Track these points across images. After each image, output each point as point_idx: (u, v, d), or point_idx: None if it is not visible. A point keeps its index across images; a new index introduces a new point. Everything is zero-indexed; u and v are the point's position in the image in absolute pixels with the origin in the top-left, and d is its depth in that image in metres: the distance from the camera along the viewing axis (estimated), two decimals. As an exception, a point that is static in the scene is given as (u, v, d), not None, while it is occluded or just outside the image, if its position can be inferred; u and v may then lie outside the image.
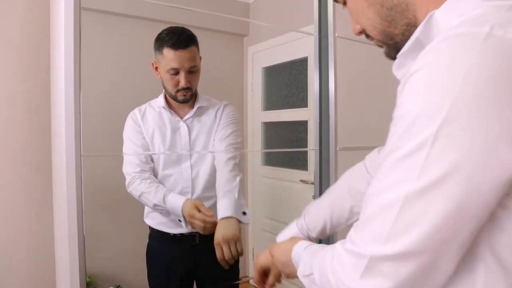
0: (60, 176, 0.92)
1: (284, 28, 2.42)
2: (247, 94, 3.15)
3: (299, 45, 2.62)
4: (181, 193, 1.49)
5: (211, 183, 1.52)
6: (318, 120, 1.25)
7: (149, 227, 1.59)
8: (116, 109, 2.47)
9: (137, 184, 1.43)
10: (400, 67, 0.63)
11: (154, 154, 1.48)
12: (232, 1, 2.95)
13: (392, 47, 0.68)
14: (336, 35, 1.19)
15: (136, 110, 1.55)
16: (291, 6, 2.49)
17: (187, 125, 1.53)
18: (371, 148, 1.41)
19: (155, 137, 1.50)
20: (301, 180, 2.57)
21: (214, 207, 1.45)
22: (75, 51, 0.87)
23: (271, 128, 2.72)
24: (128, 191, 1.46)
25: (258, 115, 2.94)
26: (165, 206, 1.40)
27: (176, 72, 1.41)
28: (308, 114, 2.56)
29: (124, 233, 2.52)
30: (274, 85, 2.94)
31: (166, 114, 1.53)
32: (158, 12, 2.62)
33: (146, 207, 1.59)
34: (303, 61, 2.62)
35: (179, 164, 1.52)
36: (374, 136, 1.47)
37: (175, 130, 1.53)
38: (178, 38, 1.38)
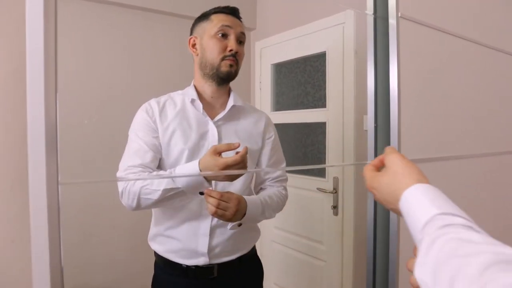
0: (34, 205, 0.63)
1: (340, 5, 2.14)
2: (254, 93, 2.88)
3: (315, 38, 2.35)
4: (200, 217, 1.18)
5: None
6: (373, 125, 0.98)
7: (155, 253, 1.29)
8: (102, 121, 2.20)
9: (133, 182, 1.10)
10: None
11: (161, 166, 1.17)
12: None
13: None
14: (400, 15, 0.92)
15: (153, 102, 1.23)
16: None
17: (217, 128, 1.23)
18: (440, 159, 1.16)
19: (174, 140, 1.18)
20: (319, 189, 2.31)
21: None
22: (47, 46, 0.58)
23: (282, 131, 2.44)
24: (123, 202, 1.13)
25: (268, 117, 2.66)
26: (177, 186, 1.06)
27: (226, 34, 1.21)
28: (327, 115, 2.29)
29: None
30: (285, 83, 2.66)
31: (193, 112, 1.23)
32: (158, 2, 2.36)
33: (151, 227, 1.30)
34: (320, 57, 2.34)
35: None
36: (443, 144, 1.22)
37: (202, 133, 1.21)
38: (229, 6, 1.25)
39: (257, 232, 1.34)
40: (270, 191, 1.32)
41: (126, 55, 2.27)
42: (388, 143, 0.95)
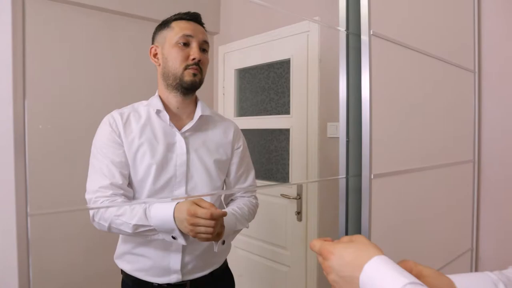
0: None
1: (299, 15, 2.15)
2: (217, 98, 2.85)
3: (280, 45, 2.37)
4: (171, 230, 1.11)
5: None
6: (345, 140, 1.00)
7: (122, 272, 1.23)
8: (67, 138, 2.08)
9: (104, 209, 1.06)
10: None
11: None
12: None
13: None
14: (372, 32, 0.94)
15: (116, 114, 1.16)
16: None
17: (185, 140, 1.19)
18: (408, 172, 1.19)
19: (140, 154, 1.13)
20: (282, 195, 2.32)
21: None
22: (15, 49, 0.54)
23: (246, 137, 2.42)
24: (95, 226, 1.09)
25: (231, 122, 2.65)
26: (149, 223, 1.02)
27: (187, 43, 1.17)
28: (290, 121, 2.31)
29: None
30: (249, 89, 2.66)
31: (159, 123, 1.18)
32: (120, 4, 2.27)
33: (118, 245, 1.24)
34: (284, 63, 2.36)
35: (170, 190, 1.16)
36: (409, 157, 1.26)
37: (169, 146, 1.17)
38: (190, 12, 1.21)
39: (228, 246, 1.32)
40: (241, 202, 1.30)
41: (87, 58, 2.17)
42: (359, 155, 0.97)
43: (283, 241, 2.36)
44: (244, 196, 1.35)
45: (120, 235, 1.23)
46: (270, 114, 2.48)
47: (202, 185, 1.19)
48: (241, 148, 1.34)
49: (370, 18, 0.94)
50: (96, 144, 1.14)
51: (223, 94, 2.81)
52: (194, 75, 1.16)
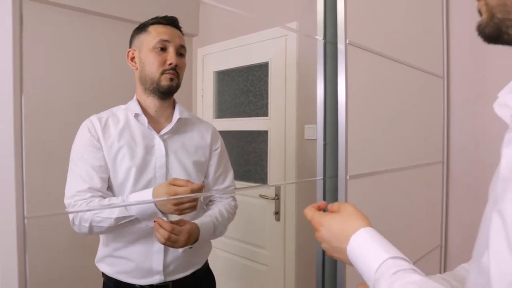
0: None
1: (274, 24, 2.19)
2: (196, 100, 2.87)
3: (258, 49, 2.41)
4: (152, 234, 1.14)
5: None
6: (322, 142, 1.05)
7: (103, 275, 1.23)
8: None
9: (84, 209, 1.07)
10: (503, 105, 0.49)
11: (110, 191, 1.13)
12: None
13: (496, 25, 0.51)
14: (348, 41, 0.99)
15: (94, 118, 1.17)
16: (250, 4, 2.27)
17: (163, 142, 1.21)
18: (381, 173, 1.26)
19: (120, 158, 1.14)
20: (261, 195, 2.37)
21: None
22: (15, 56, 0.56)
23: (225, 138, 2.45)
24: (75, 229, 1.10)
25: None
26: (130, 214, 1.05)
27: (164, 47, 1.18)
28: (269, 123, 2.36)
29: None
30: (227, 91, 2.70)
31: (138, 127, 1.19)
32: (94, 4, 2.26)
33: (99, 248, 1.24)
34: (263, 66, 2.41)
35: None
36: (383, 159, 1.32)
37: (148, 148, 1.19)
38: (167, 16, 1.22)
39: (209, 247, 1.35)
40: (221, 205, 1.34)
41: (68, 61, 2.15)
42: (336, 156, 1.02)
43: (261, 241, 2.40)
44: (222, 197, 1.38)
45: (101, 238, 1.24)
46: (249, 116, 2.52)
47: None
48: (219, 150, 1.37)
49: (346, 27, 1.00)
50: (75, 149, 1.16)
51: (202, 96, 2.83)
52: (171, 79, 1.19)
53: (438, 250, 1.73)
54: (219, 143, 1.38)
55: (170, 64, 1.17)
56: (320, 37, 1.03)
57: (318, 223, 0.68)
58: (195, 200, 1.04)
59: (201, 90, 2.83)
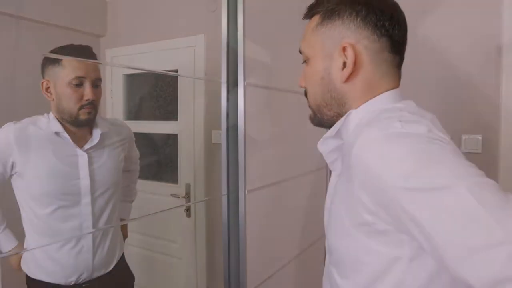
0: None
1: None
2: (105, 101, 2.90)
3: (168, 56, 2.54)
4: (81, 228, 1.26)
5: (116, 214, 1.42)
6: (225, 165, 1.27)
7: (27, 276, 1.28)
8: None
9: None
10: (324, 144, 0.84)
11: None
12: None
13: (318, 119, 0.87)
14: (246, 83, 1.23)
15: (11, 127, 1.18)
16: (157, 13, 2.39)
17: (88, 155, 1.28)
18: (276, 183, 1.52)
19: (38, 174, 1.18)
20: (172, 194, 2.55)
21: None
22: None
23: (135, 140, 2.57)
24: None
25: (120, 126, 2.75)
26: None
27: (80, 83, 1.22)
28: (178, 127, 2.53)
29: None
30: (137, 94, 2.78)
31: (60, 144, 1.23)
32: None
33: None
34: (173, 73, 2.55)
35: (76, 203, 1.25)
36: (277, 170, 1.59)
37: (71, 164, 1.24)
38: (80, 47, 1.23)
39: (121, 238, 1.54)
40: (134, 177, 1.71)
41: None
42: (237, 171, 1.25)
43: (173, 236, 2.59)
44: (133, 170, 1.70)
45: (26, 240, 1.28)
46: (159, 120, 2.65)
47: (107, 189, 1.36)
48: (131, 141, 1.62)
49: (245, 70, 1.22)
50: None
51: (111, 97, 2.87)
52: (89, 113, 1.25)
53: (322, 240, 2.10)
54: (131, 136, 1.65)
55: (88, 99, 1.23)
56: (224, 80, 1.25)
57: None
58: None
59: (111, 91, 2.87)
